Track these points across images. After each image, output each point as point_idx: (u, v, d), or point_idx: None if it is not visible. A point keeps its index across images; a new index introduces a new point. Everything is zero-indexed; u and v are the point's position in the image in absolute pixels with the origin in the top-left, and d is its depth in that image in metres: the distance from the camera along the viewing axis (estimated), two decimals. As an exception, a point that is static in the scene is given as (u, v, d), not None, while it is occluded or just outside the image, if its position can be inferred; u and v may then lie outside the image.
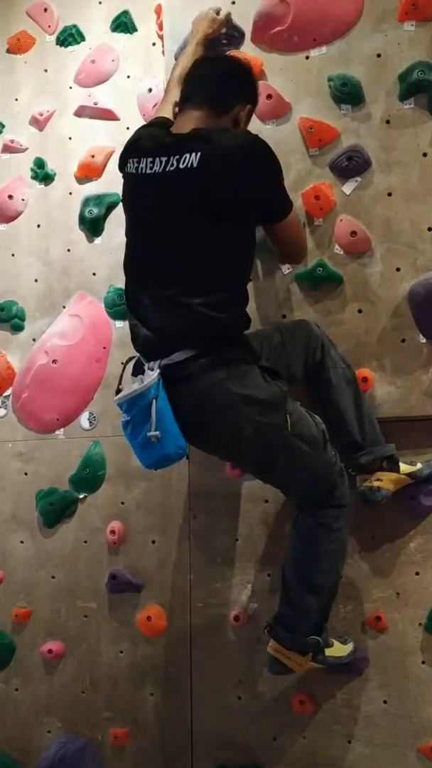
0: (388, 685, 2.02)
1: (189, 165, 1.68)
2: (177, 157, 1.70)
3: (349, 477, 1.93)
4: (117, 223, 2.46)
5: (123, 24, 2.51)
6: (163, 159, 1.73)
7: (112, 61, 2.52)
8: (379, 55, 2.08)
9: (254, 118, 2.01)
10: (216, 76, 1.83)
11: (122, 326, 2.41)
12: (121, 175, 1.90)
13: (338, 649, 1.94)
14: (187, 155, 1.69)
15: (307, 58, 2.14)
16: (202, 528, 2.24)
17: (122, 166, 1.88)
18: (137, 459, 1.78)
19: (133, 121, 2.46)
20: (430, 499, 2.00)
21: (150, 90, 2.44)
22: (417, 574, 2.02)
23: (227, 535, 2.20)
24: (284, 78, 2.15)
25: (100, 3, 2.55)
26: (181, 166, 1.69)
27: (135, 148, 1.84)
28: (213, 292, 1.69)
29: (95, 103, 2.52)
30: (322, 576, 1.87)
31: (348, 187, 2.09)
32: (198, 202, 1.69)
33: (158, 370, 1.67)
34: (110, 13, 2.53)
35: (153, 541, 2.30)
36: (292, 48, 2.15)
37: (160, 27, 2.33)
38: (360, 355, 2.06)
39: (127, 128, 2.47)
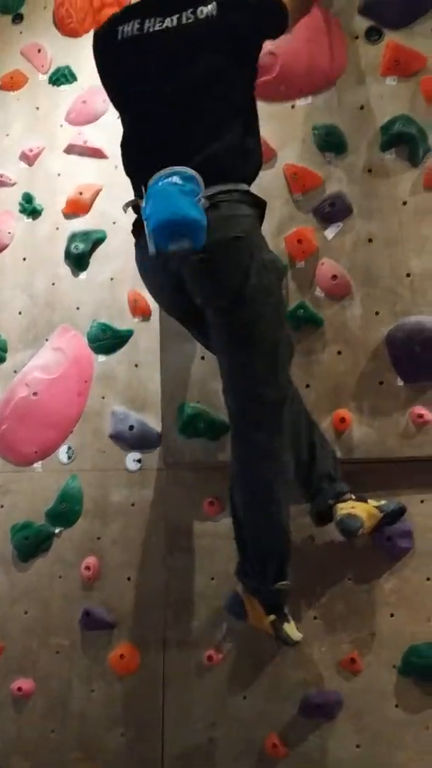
0: (362, 729, 2.03)
1: (209, 15, 1.76)
2: (191, 10, 1.77)
3: (327, 510, 1.96)
4: (103, 259, 2.52)
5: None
6: (174, 15, 1.78)
7: (103, 101, 2.59)
8: (362, 107, 2.18)
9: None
10: None
11: (104, 360, 2.46)
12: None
13: (293, 630, 1.90)
14: (202, 7, 1.77)
15: (293, 107, 2.24)
16: (177, 565, 2.25)
17: (109, 36, 1.86)
18: (154, 218, 1.67)
19: (121, 161, 2.53)
20: (406, 540, 2.05)
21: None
22: (392, 615, 2.05)
23: (203, 573, 2.22)
24: (271, 125, 2.23)
25: (93, 46, 2.64)
26: (200, 16, 1.76)
27: (127, 14, 1.86)
28: (234, 133, 1.76)
29: (85, 142, 2.60)
30: (276, 507, 1.84)
31: (330, 232, 2.16)
32: (220, 47, 1.76)
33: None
34: (103, 55, 2.62)
35: (128, 578, 2.31)
36: (279, 97, 2.25)
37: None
38: (338, 396, 2.11)
39: (116, 167, 2.51)
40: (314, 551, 2.12)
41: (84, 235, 2.54)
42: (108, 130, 2.58)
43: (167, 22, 1.79)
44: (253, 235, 1.77)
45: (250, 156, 1.83)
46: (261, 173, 2.19)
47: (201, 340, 2.05)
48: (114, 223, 2.51)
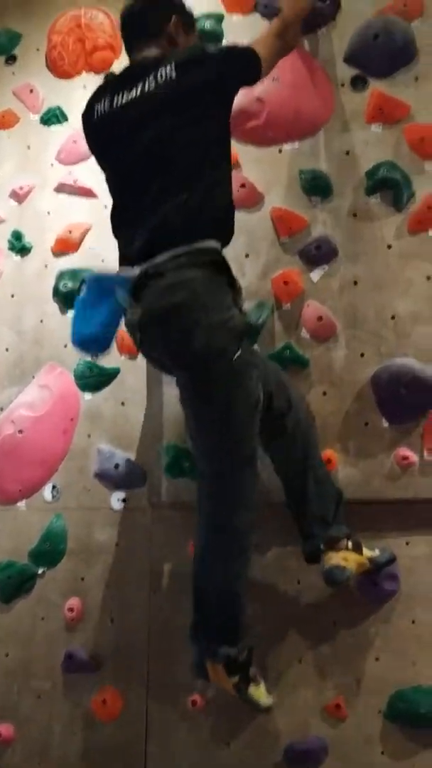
0: (347, 777, 2.00)
1: (168, 78, 1.80)
2: (152, 75, 1.82)
3: (316, 553, 1.94)
4: (91, 296, 2.53)
5: (105, 108, 2.66)
6: (139, 84, 1.84)
7: (94, 142, 2.65)
8: (347, 153, 2.23)
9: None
10: (133, 18, 1.97)
11: (91, 398, 2.46)
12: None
13: (261, 694, 1.86)
14: (162, 71, 1.81)
15: (280, 151, 2.29)
16: (162, 607, 2.23)
17: (88, 116, 1.96)
18: (71, 332, 1.92)
19: (110, 200, 2.57)
20: (391, 584, 2.04)
21: (129, 171, 2.56)
22: (377, 659, 2.04)
23: (187, 615, 2.18)
24: (258, 169, 2.29)
25: (84, 87, 2.69)
26: (160, 81, 1.80)
27: (100, 93, 1.95)
28: (191, 191, 1.78)
29: (75, 181, 2.63)
30: (223, 573, 1.82)
31: (316, 275, 2.20)
32: (179, 108, 1.80)
33: (138, 270, 1.77)
34: (94, 97, 2.68)
35: (112, 620, 2.29)
36: (267, 142, 2.29)
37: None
38: (324, 437, 2.12)
39: (105, 206, 2.56)
40: (299, 594, 2.11)
41: (72, 273, 2.55)
42: (98, 170, 2.61)
43: (133, 93, 1.85)
44: (198, 299, 1.74)
45: (213, 212, 1.82)
46: (248, 216, 2.26)
47: None
48: (103, 261, 2.52)
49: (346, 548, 1.94)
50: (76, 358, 2.50)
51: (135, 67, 1.92)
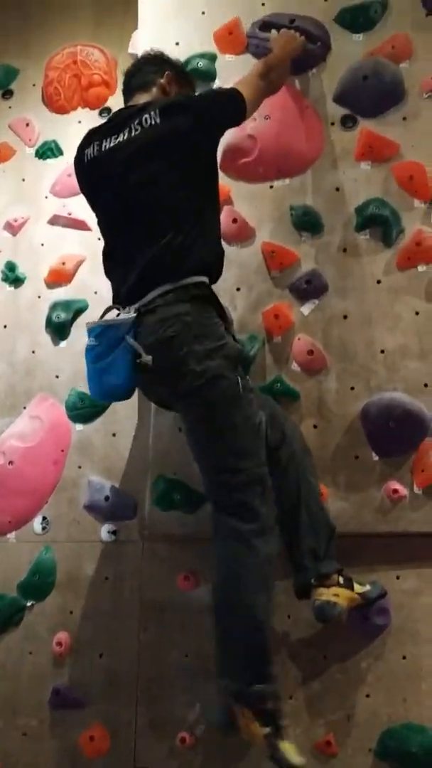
0: None
1: (153, 122, 1.88)
2: (137, 121, 1.90)
3: (306, 588, 1.94)
4: (83, 328, 2.50)
5: (100, 143, 2.71)
6: (125, 129, 1.91)
7: (88, 175, 2.70)
8: (337, 189, 2.27)
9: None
10: (132, 72, 2.10)
11: (82, 429, 2.47)
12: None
13: (293, 751, 1.72)
14: (146, 116, 1.89)
15: (272, 187, 2.33)
16: (151, 642, 2.22)
17: (79, 161, 2.03)
18: (89, 388, 1.91)
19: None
20: (383, 618, 2.04)
21: (122, 205, 2.60)
22: (368, 696, 2.03)
23: (177, 649, 2.19)
24: (249, 205, 2.33)
25: (79, 122, 2.74)
26: (145, 125, 1.88)
27: (89, 138, 2.01)
28: (176, 231, 1.84)
29: (69, 214, 2.67)
30: (247, 596, 1.75)
31: (306, 309, 2.23)
32: (163, 152, 1.87)
33: (134, 312, 1.82)
34: (88, 132, 2.73)
35: (100, 655, 2.27)
36: (258, 178, 2.34)
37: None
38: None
39: (99, 239, 2.60)
40: (289, 629, 2.11)
41: (65, 305, 2.58)
42: (92, 202, 2.67)
43: (120, 137, 1.92)
44: (190, 330, 1.79)
45: (201, 251, 1.87)
46: (239, 250, 2.31)
47: None
48: (96, 293, 2.56)
49: (338, 584, 1.93)
50: (67, 388, 2.52)
51: (123, 113, 2.00)
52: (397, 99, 2.25)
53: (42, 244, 2.68)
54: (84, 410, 2.47)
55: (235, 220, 2.29)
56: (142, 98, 2.02)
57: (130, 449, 2.37)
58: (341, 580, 1.94)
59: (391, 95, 2.25)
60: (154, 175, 1.86)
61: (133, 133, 1.90)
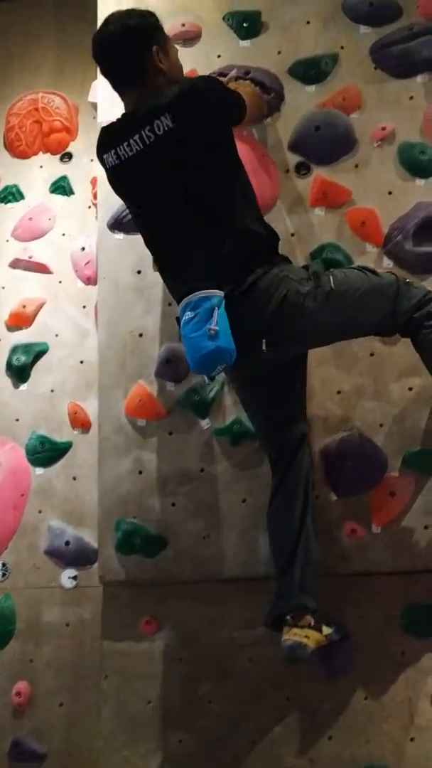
0: None
1: (165, 128, 1.89)
2: (148, 128, 1.90)
3: (280, 621, 1.95)
4: (44, 371, 2.63)
5: (61, 187, 2.81)
6: (136, 137, 1.92)
7: (49, 219, 2.78)
8: (293, 234, 2.38)
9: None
10: (114, 57, 2.01)
11: (42, 473, 2.51)
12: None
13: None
14: (157, 122, 1.89)
15: (230, 232, 2.43)
16: (113, 689, 2.23)
17: (101, 159, 2.06)
18: (188, 360, 1.87)
19: (65, 276, 2.70)
20: (344, 659, 2.09)
21: (83, 248, 2.69)
22: (330, 738, 2.07)
23: (139, 696, 2.20)
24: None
25: (40, 167, 2.84)
26: (158, 132, 1.90)
27: (104, 143, 2.03)
28: (238, 217, 1.93)
29: (30, 257, 2.75)
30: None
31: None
32: (192, 149, 1.91)
33: (215, 292, 1.85)
34: (50, 176, 2.82)
35: (61, 704, 2.28)
36: (217, 222, 2.44)
37: (95, 196, 2.61)
38: (275, 510, 2.19)
39: (60, 282, 2.70)
40: (252, 671, 2.15)
41: (26, 348, 2.64)
42: (53, 246, 2.75)
43: (134, 145, 1.93)
44: (291, 281, 1.92)
45: (260, 230, 1.99)
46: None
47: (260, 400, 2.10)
48: (56, 336, 2.63)
49: (309, 626, 1.95)
50: (27, 432, 2.56)
51: (131, 117, 1.97)
52: (349, 148, 2.38)
53: (2, 287, 2.74)
54: (44, 454, 2.52)
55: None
56: (141, 90, 1.97)
57: (92, 493, 2.41)
58: (312, 622, 1.97)
59: (343, 144, 2.38)
60: (188, 178, 1.92)
61: (147, 141, 1.91)
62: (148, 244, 2.08)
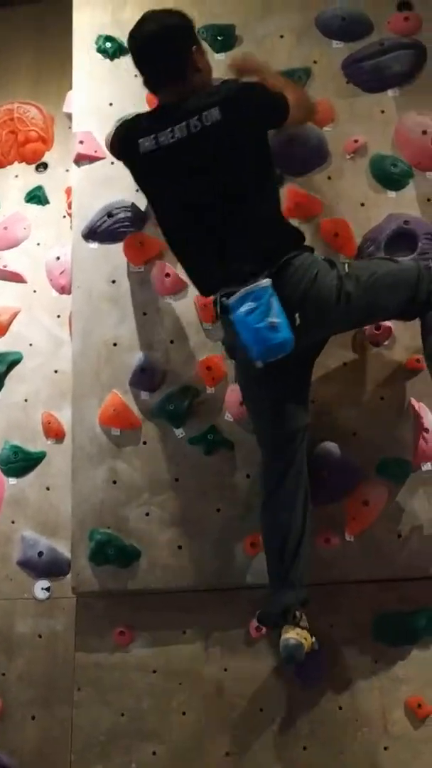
0: None
1: (214, 120, 1.96)
2: (196, 118, 1.96)
3: (282, 617, 1.93)
4: (17, 380, 2.62)
5: (36, 197, 2.81)
6: (182, 125, 1.97)
7: (24, 228, 2.79)
8: (267, 245, 2.41)
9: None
10: (156, 57, 2.06)
11: (15, 483, 2.50)
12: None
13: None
14: (206, 113, 1.96)
15: (204, 242, 2.45)
16: (86, 702, 2.21)
17: (129, 144, 2.06)
18: (251, 351, 1.91)
19: (40, 285, 2.70)
20: (318, 669, 2.09)
21: (58, 258, 2.69)
22: (304, 748, 2.07)
23: (113, 709, 2.19)
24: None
25: (16, 177, 2.84)
26: (206, 123, 1.96)
27: (140, 129, 2.05)
28: (275, 209, 2.08)
29: (4, 266, 2.75)
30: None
31: (238, 360, 2.33)
32: (234, 145, 1.98)
33: (268, 279, 1.91)
34: (25, 186, 2.82)
35: (33, 717, 2.26)
36: (191, 233, 2.46)
37: (70, 206, 2.62)
38: (250, 520, 2.19)
39: (34, 291, 2.70)
40: (225, 681, 2.15)
41: (0, 357, 2.63)
42: (28, 255, 2.75)
43: (177, 133, 1.98)
44: (315, 263, 2.01)
45: (289, 222, 2.12)
46: (173, 303, 2.40)
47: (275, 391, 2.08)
48: (30, 345, 2.63)
49: (306, 628, 1.93)
50: (0, 442, 2.54)
51: (176, 105, 2.02)
52: (322, 160, 2.41)
53: (-24, 297, 2.74)
54: (17, 464, 2.50)
55: (168, 275, 2.40)
56: (183, 86, 2.03)
57: (65, 503, 2.40)
58: (303, 618, 1.95)
59: (317, 156, 2.42)
60: (230, 171, 1.98)
61: (193, 130, 1.96)
62: (174, 229, 2.11)
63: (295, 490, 2.02)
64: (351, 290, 1.97)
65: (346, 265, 2.03)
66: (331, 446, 2.21)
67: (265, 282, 1.90)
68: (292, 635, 1.90)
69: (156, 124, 2.03)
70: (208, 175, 1.99)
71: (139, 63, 2.11)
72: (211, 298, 2.33)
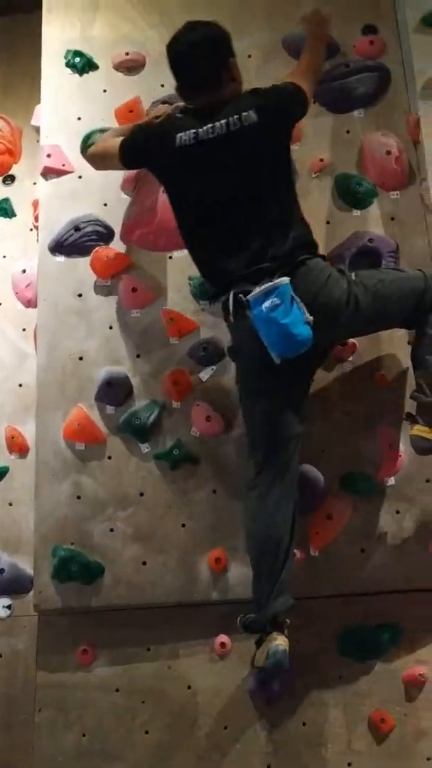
0: None
1: (252, 120, 2.05)
2: (236, 116, 2.05)
3: (271, 624, 1.91)
4: (-18, 394, 2.59)
5: (3, 209, 2.80)
6: (223, 122, 2.06)
7: (-15, 235, 2.77)
8: (234, 260, 2.42)
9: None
10: (196, 64, 2.13)
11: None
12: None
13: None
14: (245, 114, 2.06)
15: (171, 258, 2.46)
16: (48, 722, 2.17)
17: (165, 138, 2.11)
18: (273, 346, 1.93)
19: (5, 298, 2.68)
20: (282, 683, 2.09)
21: (24, 271, 2.68)
22: (268, 766, 2.06)
23: (74, 729, 2.15)
24: (150, 273, 2.44)
25: (-16, 189, 2.84)
26: (245, 123, 2.05)
27: (177, 125, 2.11)
28: (294, 212, 2.11)
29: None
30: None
31: (204, 374, 2.34)
32: (267, 147, 2.07)
33: (287, 277, 1.95)
34: (-9, 199, 2.82)
35: (-8, 739, 2.21)
36: (158, 248, 2.46)
37: (36, 219, 2.61)
38: (214, 535, 2.20)
39: (0, 304, 2.68)
40: (189, 700, 2.13)
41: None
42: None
43: (218, 129, 2.06)
44: (327, 268, 2.08)
45: (304, 224, 2.15)
46: (140, 317, 2.41)
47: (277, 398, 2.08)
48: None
49: (284, 632, 1.93)
50: (-37, 457, 2.52)
51: (214, 107, 2.10)
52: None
53: None
54: (-11, 477, 2.47)
55: (134, 289, 2.40)
56: (222, 93, 2.11)
57: (28, 519, 2.37)
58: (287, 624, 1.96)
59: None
60: (260, 171, 2.06)
61: (232, 128, 2.05)
62: (196, 224, 2.14)
63: (287, 497, 2.02)
64: (360, 296, 2.03)
65: (354, 274, 2.09)
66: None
67: (285, 279, 1.95)
68: (281, 642, 1.89)
69: (196, 120, 2.10)
70: (238, 173, 2.06)
71: (179, 68, 2.18)
72: (175, 312, 2.36)
